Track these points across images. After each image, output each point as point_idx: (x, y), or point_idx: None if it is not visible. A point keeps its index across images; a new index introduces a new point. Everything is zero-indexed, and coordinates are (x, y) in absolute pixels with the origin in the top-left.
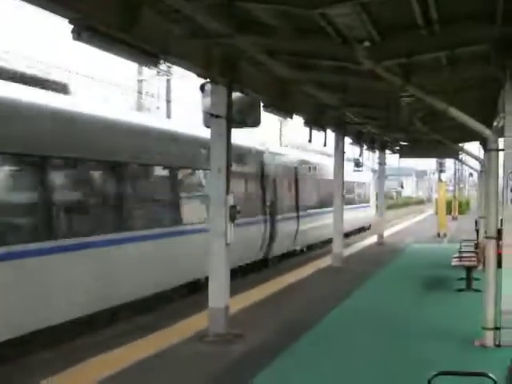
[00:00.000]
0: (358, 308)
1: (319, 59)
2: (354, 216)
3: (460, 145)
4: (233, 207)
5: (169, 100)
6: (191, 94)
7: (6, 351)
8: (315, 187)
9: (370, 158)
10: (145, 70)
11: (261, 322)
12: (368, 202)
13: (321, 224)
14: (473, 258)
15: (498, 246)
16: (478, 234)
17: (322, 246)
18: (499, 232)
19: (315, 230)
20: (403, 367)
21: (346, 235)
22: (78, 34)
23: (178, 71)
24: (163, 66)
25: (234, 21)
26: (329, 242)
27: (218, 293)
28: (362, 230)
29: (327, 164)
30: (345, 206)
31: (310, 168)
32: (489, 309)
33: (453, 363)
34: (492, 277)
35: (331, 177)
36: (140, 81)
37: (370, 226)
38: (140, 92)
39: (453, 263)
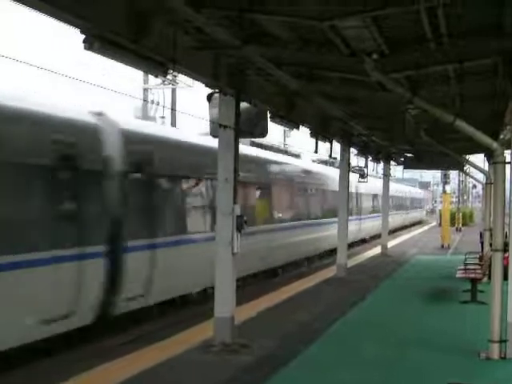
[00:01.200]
0: (362, 319)
1: (327, 71)
2: (417, 214)
3: (465, 157)
4: (240, 217)
5: (174, 109)
6: (197, 103)
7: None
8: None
9: (374, 169)
10: (150, 78)
11: (267, 332)
12: (422, 207)
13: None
14: (478, 271)
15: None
16: (482, 247)
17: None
18: (506, 245)
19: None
20: (410, 378)
21: (413, 225)
22: (89, 44)
23: (183, 81)
24: (169, 76)
25: (243, 32)
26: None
27: (224, 302)
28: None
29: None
30: (413, 210)
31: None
32: (495, 321)
33: (459, 375)
34: (498, 289)
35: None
36: (145, 89)
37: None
38: (145, 100)
39: (458, 275)
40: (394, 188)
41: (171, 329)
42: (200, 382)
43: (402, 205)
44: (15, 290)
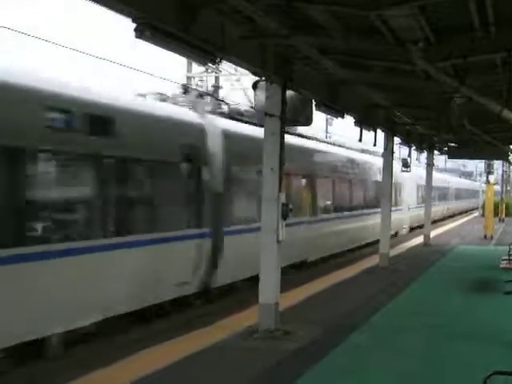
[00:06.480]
0: (405, 309)
1: (372, 59)
2: (474, 201)
3: (510, 146)
4: (285, 205)
5: (217, 97)
6: (241, 91)
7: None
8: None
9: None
10: (194, 66)
11: (310, 319)
12: (477, 197)
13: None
14: None
15: None
16: None
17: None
18: None
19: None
20: (453, 367)
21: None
22: (140, 33)
23: (226, 68)
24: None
25: (291, 21)
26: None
27: (269, 289)
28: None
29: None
30: (469, 199)
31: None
32: None
33: (502, 365)
34: None
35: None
36: (189, 77)
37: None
38: (189, 86)
39: (501, 265)
40: (469, 183)
41: (213, 316)
42: (243, 368)
43: (471, 195)
44: None
